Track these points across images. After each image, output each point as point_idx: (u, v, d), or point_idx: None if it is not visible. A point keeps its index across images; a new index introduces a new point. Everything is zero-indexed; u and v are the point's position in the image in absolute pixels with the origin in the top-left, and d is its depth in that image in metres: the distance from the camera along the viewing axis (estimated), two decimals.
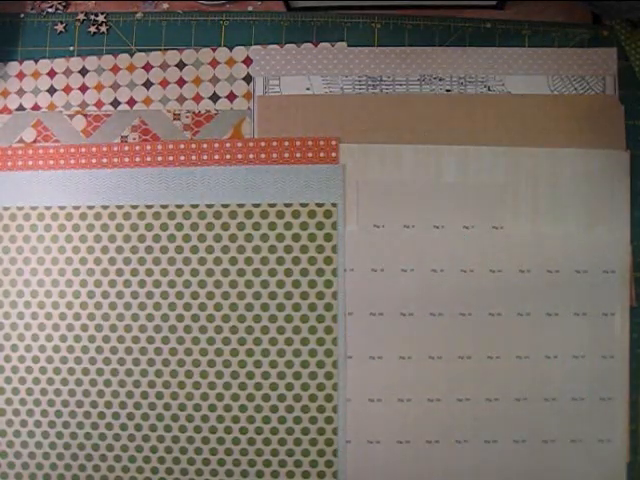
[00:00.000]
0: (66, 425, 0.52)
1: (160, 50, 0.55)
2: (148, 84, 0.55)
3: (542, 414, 0.51)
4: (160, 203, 0.53)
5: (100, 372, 0.52)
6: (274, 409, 0.51)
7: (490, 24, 0.54)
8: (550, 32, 0.54)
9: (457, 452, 0.51)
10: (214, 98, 0.54)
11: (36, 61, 0.55)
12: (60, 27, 0.56)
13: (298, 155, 0.52)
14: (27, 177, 0.54)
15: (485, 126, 0.52)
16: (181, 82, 0.54)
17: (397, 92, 0.53)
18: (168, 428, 0.51)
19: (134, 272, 0.52)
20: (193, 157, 0.53)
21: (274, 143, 0.53)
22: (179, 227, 0.52)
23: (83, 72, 0.55)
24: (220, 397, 0.51)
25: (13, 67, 0.55)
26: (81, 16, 0.56)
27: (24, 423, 0.52)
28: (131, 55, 0.55)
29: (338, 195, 0.52)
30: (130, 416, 0.52)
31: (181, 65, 0.55)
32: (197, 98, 0.54)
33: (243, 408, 0.51)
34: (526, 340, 0.51)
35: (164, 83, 0.54)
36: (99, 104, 0.55)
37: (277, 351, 0.51)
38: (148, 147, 0.53)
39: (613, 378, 0.51)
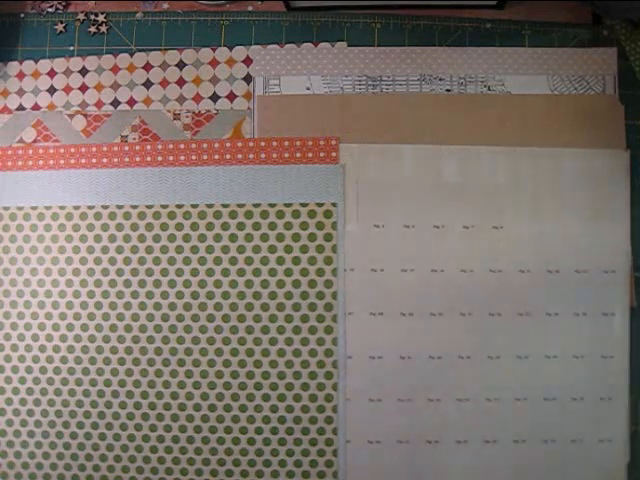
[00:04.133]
0: (66, 425, 0.52)
1: (160, 50, 0.55)
2: (148, 84, 0.55)
3: (542, 414, 0.51)
4: (160, 203, 0.53)
5: (100, 372, 0.52)
6: (274, 409, 0.51)
7: (490, 24, 0.54)
8: (550, 32, 0.54)
9: (457, 452, 0.51)
10: (214, 98, 0.54)
11: (36, 61, 0.55)
12: (60, 27, 0.56)
13: (298, 155, 0.52)
14: (27, 177, 0.54)
15: (485, 126, 0.52)
16: (181, 82, 0.54)
17: (397, 92, 0.53)
18: (168, 428, 0.51)
19: (134, 272, 0.52)
20: (193, 157, 0.53)
21: (274, 143, 0.53)
22: (179, 227, 0.52)
23: (83, 72, 0.55)
24: (220, 397, 0.51)
25: (13, 67, 0.55)
26: (81, 16, 0.56)
27: (24, 423, 0.52)
28: (131, 55, 0.55)
29: (338, 195, 0.52)
30: (130, 416, 0.52)
31: (181, 65, 0.55)
32: (197, 98, 0.54)
33: (243, 408, 0.51)
34: (526, 340, 0.51)
35: (164, 83, 0.54)
36: (99, 104, 0.55)
37: (277, 351, 0.51)
38: (148, 147, 0.53)
39: (613, 378, 0.51)
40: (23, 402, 0.52)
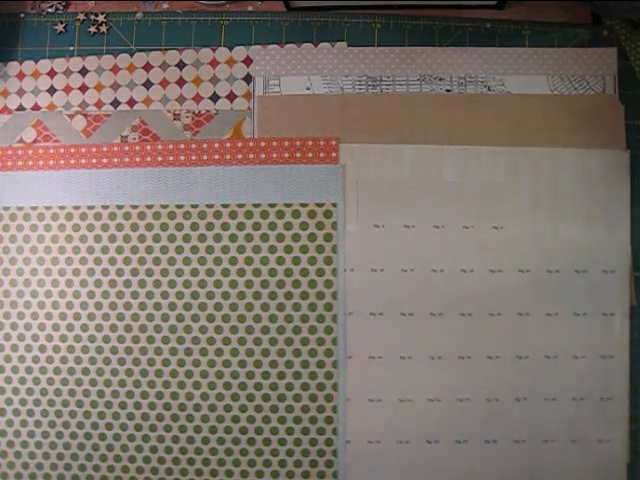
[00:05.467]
0: (66, 425, 0.52)
1: (160, 50, 0.55)
2: (148, 84, 0.55)
3: (542, 414, 0.51)
4: (160, 203, 0.53)
5: (100, 372, 0.52)
6: (274, 409, 0.51)
7: (490, 24, 0.54)
8: (550, 32, 0.54)
9: (457, 452, 0.51)
10: (214, 98, 0.54)
11: (36, 61, 0.55)
12: (60, 27, 0.56)
13: (298, 155, 0.52)
14: (27, 177, 0.54)
15: (485, 126, 0.52)
16: (181, 82, 0.54)
17: (397, 92, 0.53)
18: (168, 428, 0.51)
19: (134, 272, 0.52)
20: (193, 157, 0.53)
21: (274, 143, 0.53)
22: (179, 227, 0.52)
23: (83, 72, 0.55)
24: (220, 397, 0.51)
25: (13, 67, 0.55)
26: (81, 16, 0.56)
27: (24, 423, 0.52)
28: (131, 55, 0.55)
29: (338, 195, 0.52)
30: (130, 416, 0.52)
31: (181, 65, 0.55)
32: (197, 98, 0.54)
33: (243, 408, 0.51)
34: (526, 340, 0.51)
35: (164, 83, 0.54)
36: (99, 104, 0.55)
37: (277, 351, 0.51)
38: (148, 147, 0.53)
39: (613, 378, 0.51)
40: (23, 402, 0.52)
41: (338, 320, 0.51)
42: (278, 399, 0.51)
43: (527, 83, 0.53)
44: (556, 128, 0.52)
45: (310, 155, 0.52)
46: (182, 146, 0.53)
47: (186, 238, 0.52)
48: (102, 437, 0.52)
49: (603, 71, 0.53)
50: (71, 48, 0.56)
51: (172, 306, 0.52)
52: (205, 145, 0.53)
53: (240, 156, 0.53)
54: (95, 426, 0.52)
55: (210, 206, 0.52)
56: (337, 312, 0.51)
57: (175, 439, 0.51)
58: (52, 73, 0.55)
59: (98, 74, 0.55)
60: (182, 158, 0.53)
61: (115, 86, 0.55)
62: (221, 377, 0.51)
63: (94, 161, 0.53)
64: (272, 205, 0.52)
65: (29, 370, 0.53)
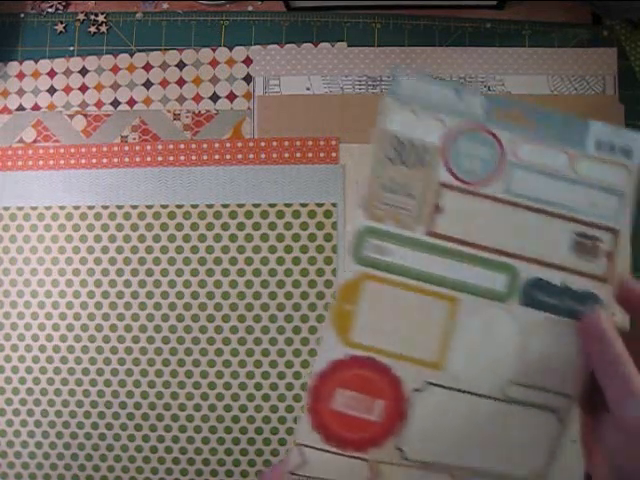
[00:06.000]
0: (66, 425, 0.52)
1: (160, 50, 0.55)
2: (148, 84, 0.55)
3: None
4: (160, 203, 0.53)
5: (100, 372, 0.52)
6: (274, 409, 0.51)
7: (490, 24, 0.54)
8: (550, 32, 0.54)
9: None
10: (214, 98, 0.54)
11: (36, 61, 0.55)
12: (60, 27, 0.56)
13: (298, 155, 0.52)
14: (27, 177, 0.54)
15: None
16: (181, 82, 0.54)
17: None
18: (168, 428, 0.51)
19: (134, 272, 0.52)
20: (193, 157, 0.53)
21: (274, 143, 0.53)
22: (179, 227, 0.52)
23: (83, 72, 0.55)
24: (220, 397, 0.51)
25: (13, 67, 0.55)
26: (81, 16, 0.56)
27: (24, 423, 0.52)
28: (131, 55, 0.55)
29: (338, 195, 0.52)
30: (130, 416, 0.52)
31: (181, 65, 0.55)
32: (197, 98, 0.54)
33: (243, 408, 0.51)
34: None
35: (164, 83, 0.54)
36: (99, 104, 0.55)
37: (277, 351, 0.51)
38: (148, 147, 0.53)
39: None
40: (23, 402, 0.52)
41: None
42: (278, 399, 0.51)
43: (527, 83, 0.53)
44: None
45: (310, 155, 0.52)
46: (182, 146, 0.53)
47: (186, 238, 0.52)
48: (102, 437, 0.52)
49: (603, 71, 0.53)
50: (71, 48, 0.56)
51: (172, 306, 0.52)
52: (205, 145, 0.53)
53: (240, 156, 0.53)
54: (95, 426, 0.52)
55: (210, 206, 0.52)
56: None
57: (175, 439, 0.51)
58: (52, 73, 0.55)
59: (98, 74, 0.55)
60: (182, 158, 0.53)
61: (115, 86, 0.55)
62: (221, 377, 0.51)
63: (94, 161, 0.53)
64: (272, 205, 0.52)
65: (29, 370, 0.53)
